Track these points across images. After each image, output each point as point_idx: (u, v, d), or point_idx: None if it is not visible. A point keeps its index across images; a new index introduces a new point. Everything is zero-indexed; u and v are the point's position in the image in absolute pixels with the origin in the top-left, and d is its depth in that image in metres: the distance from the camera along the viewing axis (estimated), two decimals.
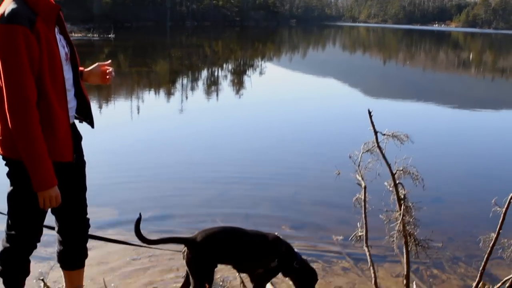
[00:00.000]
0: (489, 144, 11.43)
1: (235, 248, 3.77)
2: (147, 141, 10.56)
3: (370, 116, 3.94)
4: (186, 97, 17.56)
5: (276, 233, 3.92)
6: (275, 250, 3.84)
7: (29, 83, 2.71)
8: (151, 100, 16.84)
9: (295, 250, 3.92)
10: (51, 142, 2.88)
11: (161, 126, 12.45)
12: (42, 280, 4.22)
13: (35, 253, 4.80)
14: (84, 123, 3.31)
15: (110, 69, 3.37)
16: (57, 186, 2.92)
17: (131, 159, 8.96)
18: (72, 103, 3.09)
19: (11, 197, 3.01)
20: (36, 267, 4.61)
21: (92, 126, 3.32)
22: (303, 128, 12.35)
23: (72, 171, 3.14)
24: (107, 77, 3.37)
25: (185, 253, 3.68)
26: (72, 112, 3.11)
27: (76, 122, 3.26)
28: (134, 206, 6.49)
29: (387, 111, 14.55)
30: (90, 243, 4.89)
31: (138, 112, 14.56)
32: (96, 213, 6.04)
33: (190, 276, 3.71)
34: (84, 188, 3.35)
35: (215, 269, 4.53)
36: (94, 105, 15.43)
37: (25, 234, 3.09)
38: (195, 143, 10.44)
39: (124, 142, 10.43)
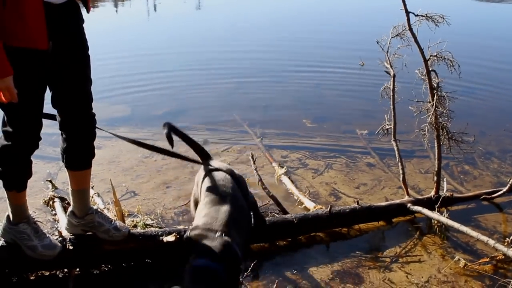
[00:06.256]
0: None
1: None
2: (160, 39, 10.12)
3: None
4: None
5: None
6: None
7: None
8: None
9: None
10: (16, 25, 2.45)
11: (175, 23, 11.98)
12: (50, 181, 4.02)
13: (43, 153, 4.59)
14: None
15: None
16: (39, 77, 2.60)
17: (144, 56, 8.55)
18: None
19: None
20: (44, 167, 4.44)
21: (88, 11, 2.88)
22: (324, 21, 11.70)
23: (63, 60, 2.69)
24: None
25: None
26: None
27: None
28: (148, 102, 6.25)
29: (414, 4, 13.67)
30: (101, 142, 4.68)
31: (155, 10, 14.03)
32: (107, 109, 5.80)
33: None
34: (85, 79, 2.88)
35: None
36: (110, 5, 14.90)
37: (23, 129, 2.73)
38: (210, 38, 9.95)
39: (137, 40, 10.03)
